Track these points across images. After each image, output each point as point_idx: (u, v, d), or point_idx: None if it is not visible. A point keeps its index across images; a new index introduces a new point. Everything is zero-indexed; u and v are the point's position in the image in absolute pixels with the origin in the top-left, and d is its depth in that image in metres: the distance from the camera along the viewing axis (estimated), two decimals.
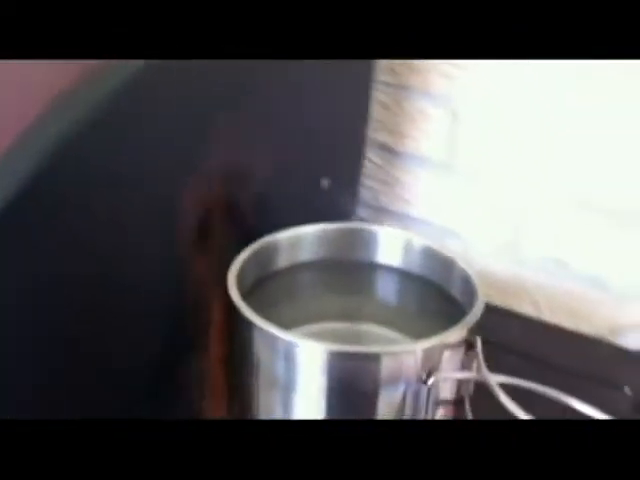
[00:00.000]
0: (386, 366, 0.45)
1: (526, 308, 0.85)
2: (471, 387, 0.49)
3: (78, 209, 0.50)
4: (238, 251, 0.74)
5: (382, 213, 0.92)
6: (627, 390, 0.70)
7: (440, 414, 0.47)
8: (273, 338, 0.47)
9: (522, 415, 0.44)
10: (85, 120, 0.49)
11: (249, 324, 0.47)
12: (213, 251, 0.72)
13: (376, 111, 0.87)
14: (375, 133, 0.88)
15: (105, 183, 0.51)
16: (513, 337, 0.77)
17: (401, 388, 0.46)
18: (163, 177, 0.57)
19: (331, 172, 0.79)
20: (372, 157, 0.90)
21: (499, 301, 0.83)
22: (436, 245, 0.53)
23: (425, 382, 0.45)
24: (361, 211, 0.90)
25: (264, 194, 0.71)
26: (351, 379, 0.46)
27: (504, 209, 0.85)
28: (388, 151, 0.89)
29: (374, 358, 0.45)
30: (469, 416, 0.47)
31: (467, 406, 0.48)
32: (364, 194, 0.91)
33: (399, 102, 0.87)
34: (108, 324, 0.58)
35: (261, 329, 0.47)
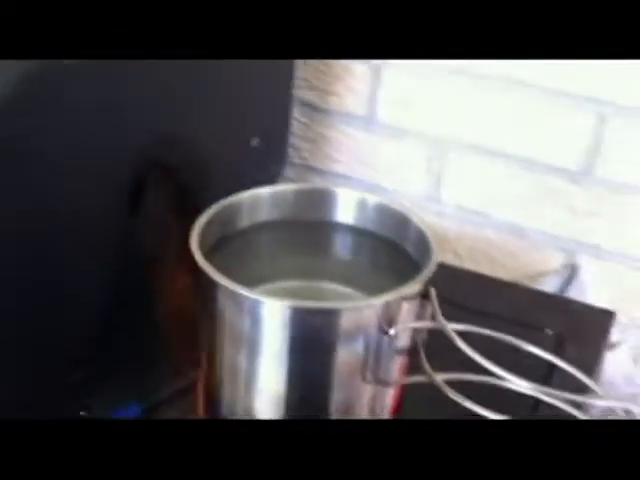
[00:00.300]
0: (349, 320, 0.48)
1: (449, 257, 0.90)
2: (425, 334, 0.52)
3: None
4: (174, 212, 0.75)
5: (309, 171, 0.94)
6: (548, 331, 0.76)
7: (399, 362, 0.51)
8: (238, 296, 0.48)
9: (476, 357, 0.47)
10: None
11: (214, 283, 0.49)
12: (148, 212, 0.73)
13: (301, 69, 0.89)
14: (300, 91, 0.90)
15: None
16: (438, 285, 0.81)
17: (364, 340, 0.48)
18: (97, 145, 0.58)
19: (260, 132, 0.81)
20: (298, 115, 0.92)
21: None
22: (390, 203, 0.56)
23: (387, 333, 0.49)
24: (288, 170, 0.92)
25: (196, 155, 0.73)
26: (315, 334, 0.49)
27: (426, 162, 0.88)
28: (313, 109, 0.91)
29: (338, 313, 0.48)
30: (424, 362, 0.50)
31: (422, 352, 0.51)
32: (291, 152, 0.93)
33: (323, 60, 0.89)
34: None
35: (226, 288, 0.48)
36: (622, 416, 0.45)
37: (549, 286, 0.86)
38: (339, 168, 0.93)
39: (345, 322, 0.48)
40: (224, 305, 0.50)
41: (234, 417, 0.53)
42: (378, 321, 0.48)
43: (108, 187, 0.65)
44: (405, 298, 0.49)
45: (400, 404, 0.54)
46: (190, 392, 0.72)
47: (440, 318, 0.49)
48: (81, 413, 0.70)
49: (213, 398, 0.54)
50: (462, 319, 0.52)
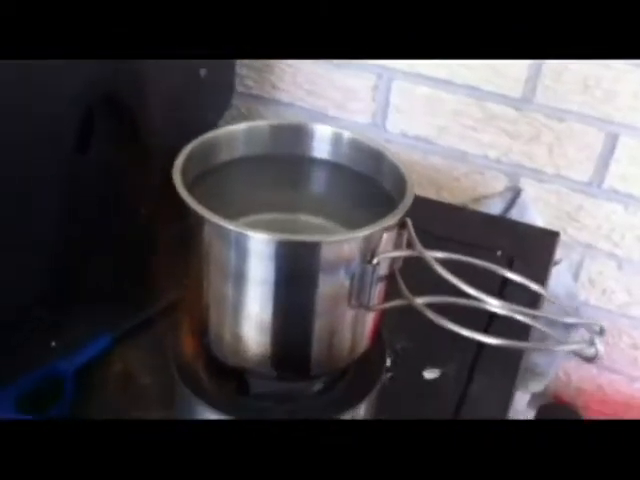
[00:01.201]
0: (334, 252, 0.50)
1: None
2: (401, 261, 0.55)
3: None
4: (127, 142, 0.76)
5: (254, 100, 0.95)
6: (498, 253, 0.80)
7: (380, 288, 0.54)
8: (225, 231, 0.50)
9: (455, 281, 0.51)
10: None
11: (200, 219, 0.50)
12: (100, 143, 0.73)
13: None
14: None
15: None
16: None
17: (348, 270, 0.51)
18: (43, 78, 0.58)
19: (207, 62, 0.82)
20: None
21: None
22: (365, 138, 0.58)
23: (370, 262, 0.52)
24: (233, 99, 0.93)
25: (145, 88, 0.73)
26: (301, 266, 0.51)
27: (371, 91, 0.90)
28: None
29: (323, 246, 0.50)
30: (403, 287, 0.54)
31: (399, 278, 0.55)
32: (236, 81, 0.93)
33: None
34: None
35: (213, 223, 0.50)
36: (594, 333, 0.49)
37: (492, 209, 0.90)
38: (284, 97, 0.94)
39: (330, 254, 0.50)
40: (210, 239, 0.51)
41: (221, 343, 0.55)
42: (362, 252, 0.51)
43: (58, 119, 0.65)
44: (386, 229, 0.51)
45: (378, 328, 0.57)
46: (159, 320, 0.75)
47: (418, 246, 0.52)
48: (52, 344, 0.71)
49: (201, 325, 0.56)
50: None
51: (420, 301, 0.53)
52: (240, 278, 0.52)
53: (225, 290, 0.53)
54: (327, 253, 0.51)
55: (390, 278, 0.54)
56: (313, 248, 0.50)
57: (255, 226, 0.53)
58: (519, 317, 0.52)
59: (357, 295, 0.53)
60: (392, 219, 0.51)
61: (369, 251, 0.51)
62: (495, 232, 0.83)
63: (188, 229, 0.53)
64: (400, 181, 0.54)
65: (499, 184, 0.90)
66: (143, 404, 0.68)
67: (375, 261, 0.52)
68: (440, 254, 0.53)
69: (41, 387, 0.65)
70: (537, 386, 0.91)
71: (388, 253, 0.52)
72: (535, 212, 0.88)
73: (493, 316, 0.73)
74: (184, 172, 0.53)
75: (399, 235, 0.53)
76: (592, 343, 0.49)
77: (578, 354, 0.51)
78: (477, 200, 0.91)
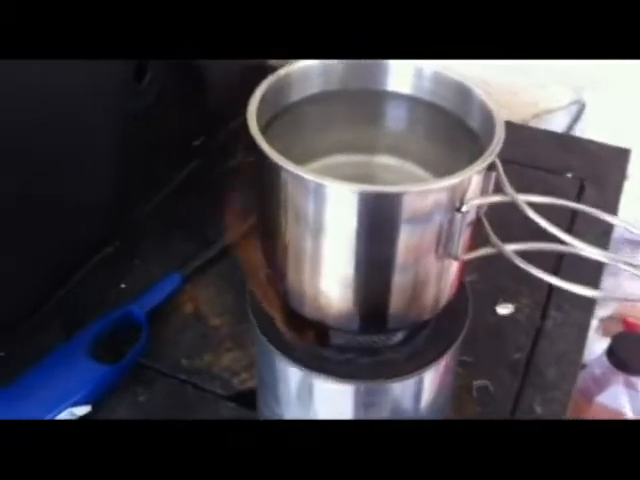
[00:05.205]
0: (421, 201, 0.46)
1: None
2: (486, 206, 0.50)
3: None
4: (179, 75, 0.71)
5: None
6: (568, 175, 0.75)
7: (466, 235, 0.49)
8: (303, 180, 0.45)
9: (548, 226, 0.46)
10: None
11: (277, 166, 0.46)
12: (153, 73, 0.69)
13: None
14: None
15: None
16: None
17: (436, 219, 0.47)
18: None
19: None
20: None
21: None
22: (449, 72, 0.52)
23: (459, 210, 0.47)
24: None
25: None
26: (385, 216, 0.46)
27: None
28: None
29: (409, 195, 0.45)
30: (491, 233, 0.49)
31: (486, 224, 0.50)
32: None
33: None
34: None
35: (290, 172, 0.45)
36: None
37: (554, 125, 0.84)
38: None
39: (416, 204, 0.46)
40: (287, 188, 0.47)
41: (300, 296, 0.51)
42: (450, 200, 0.46)
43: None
44: (475, 173, 0.46)
45: (462, 276, 0.53)
46: (221, 259, 0.72)
47: (509, 189, 0.48)
48: (122, 286, 0.69)
49: (277, 276, 0.52)
50: None
51: (510, 248, 0.48)
52: (319, 230, 0.47)
53: (303, 241, 0.49)
54: (412, 203, 0.46)
55: (476, 223, 0.50)
56: (397, 198, 0.45)
57: (332, 169, 0.49)
58: (620, 265, 0.47)
59: (445, 245, 0.48)
60: (482, 163, 0.46)
61: (458, 198, 0.47)
62: (563, 152, 0.78)
63: (262, 174, 0.49)
64: (488, 118, 0.49)
65: (563, 98, 0.84)
66: (215, 345, 0.65)
67: (464, 209, 0.47)
68: (534, 198, 0.48)
69: (116, 331, 0.62)
70: (605, 311, 0.87)
71: (478, 199, 0.48)
72: (598, 127, 0.82)
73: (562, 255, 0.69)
74: (258, 115, 0.48)
75: (487, 177, 0.48)
76: None
77: None
78: (538, 116, 0.85)
